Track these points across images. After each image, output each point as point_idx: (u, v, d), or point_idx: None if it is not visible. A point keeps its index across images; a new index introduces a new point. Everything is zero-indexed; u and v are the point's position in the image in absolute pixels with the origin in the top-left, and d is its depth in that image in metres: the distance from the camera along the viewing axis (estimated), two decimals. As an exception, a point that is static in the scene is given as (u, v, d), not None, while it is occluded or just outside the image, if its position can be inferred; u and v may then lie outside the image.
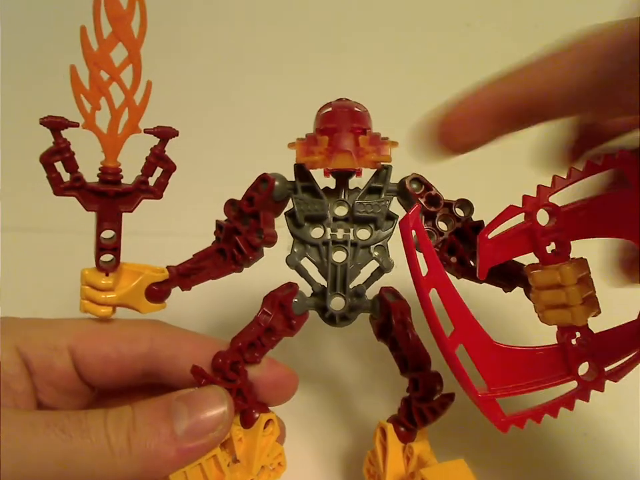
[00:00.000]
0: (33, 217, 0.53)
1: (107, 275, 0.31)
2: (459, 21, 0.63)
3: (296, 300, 0.34)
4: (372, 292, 0.34)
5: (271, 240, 0.35)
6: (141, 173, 0.31)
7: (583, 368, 0.25)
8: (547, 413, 0.26)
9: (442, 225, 0.33)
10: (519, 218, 0.26)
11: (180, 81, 0.66)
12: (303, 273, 0.34)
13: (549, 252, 0.25)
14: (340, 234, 0.34)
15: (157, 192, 0.31)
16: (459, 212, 0.33)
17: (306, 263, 0.34)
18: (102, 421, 0.26)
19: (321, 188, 0.34)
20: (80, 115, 0.29)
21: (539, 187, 0.26)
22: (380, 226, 0.33)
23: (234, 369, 0.32)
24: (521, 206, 0.26)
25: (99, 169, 0.30)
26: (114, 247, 0.31)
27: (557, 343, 0.26)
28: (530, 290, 0.27)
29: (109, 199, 0.30)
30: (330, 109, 0.33)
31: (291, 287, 0.34)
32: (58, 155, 0.29)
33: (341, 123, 0.32)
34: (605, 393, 0.39)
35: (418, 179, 0.33)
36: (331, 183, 0.34)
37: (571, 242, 0.26)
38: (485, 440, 0.35)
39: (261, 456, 0.32)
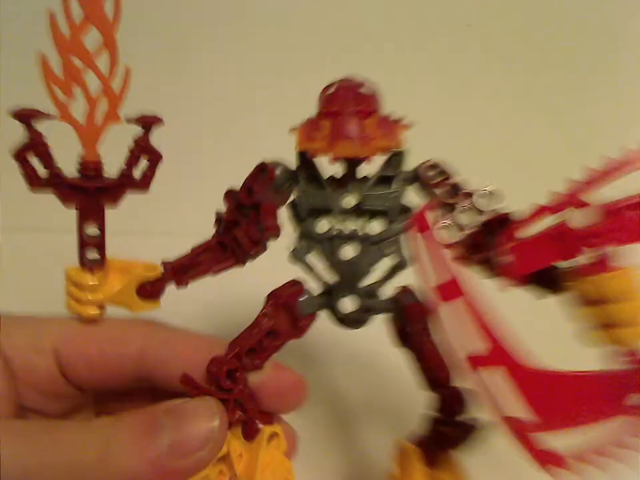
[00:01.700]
0: (33, 217, 0.52)
1: (92, 273, 0.29)
2: (460, 22, 0.62)
3: (302, 299, 0.31)
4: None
5: (274, 233, 0.32)
6: (124, 165, 0.28)
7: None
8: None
9: (463, 218, 0.29)
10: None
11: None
12: (309, 269, 0.31)
13: (587, 261, 0.21)
14: (347, 228, 0.30)
15: (142, 185, 0.29)
16: (484, 203, 0.29)
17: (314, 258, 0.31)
18: (76, 433, 0.24)
19: (327, 177, 0.31)
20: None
21: (572, 182, 0.22)
22: (393, 219, 0.30)
23: (231, 377, 0.29)
24: (550, 204, 0.22)
25: (78, 163, 0.28)
26: (98, 245, 0.29)
27: (610, 367, 0.22)
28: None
29: (90, 195, 0.28)
30: (332, 90, 0.29)
31: (296, 284, 0.31)
32: (31, 149, 0.27)
33: (344, 105, 0.28)
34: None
35: (435, 166, 0.29)
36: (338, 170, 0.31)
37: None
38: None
39: (263, 474, 0.29)
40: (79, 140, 0.27)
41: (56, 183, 0.27)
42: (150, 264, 0.31)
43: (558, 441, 0.22)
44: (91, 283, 0.29)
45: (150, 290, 0.31)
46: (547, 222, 0.22)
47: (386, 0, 0.64)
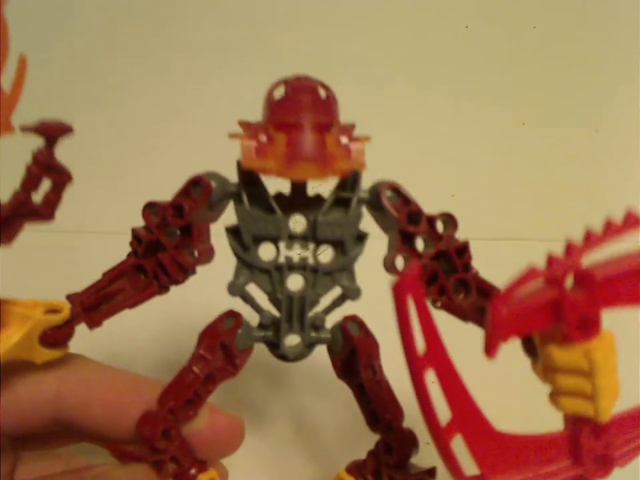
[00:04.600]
0: None
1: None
2: (458, 23, 0.61)
3: (240, 332, 0.27)
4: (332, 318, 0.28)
5: (208, 259, 0.28)
6: (20, 189, 0.22)
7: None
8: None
9: (421, 245, 0.28)
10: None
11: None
12: (249, 301, 0.27)
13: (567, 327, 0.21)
14: (296, 256, 0.27)
15: (45, 213, 0.22)
16: (441, 230, 0.27)
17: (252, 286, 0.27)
18: None
19: (273, 195, 0.26)
20: None
21: (569, 245, 0.20)
22: (348, 249, 0.27)
23: (166, 435, 0.25)
24: (547, 269, 0.20)
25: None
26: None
27: (565, 430, 0.22)
28: (536, 360, 0.23)
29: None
30: (285, 94, 0.25)
31: (233, 317, 0.27)
32: None
33: (302, 115, 0.24)
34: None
35: (395, 189, 0.27)
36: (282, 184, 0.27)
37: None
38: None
39: None
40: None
41: None
42: (54, 303, 0.25)
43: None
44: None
45: (56, 336, 0.25)
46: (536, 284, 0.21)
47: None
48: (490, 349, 0.21)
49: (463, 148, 0.63)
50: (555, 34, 0.61)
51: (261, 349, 0.29)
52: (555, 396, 0.21)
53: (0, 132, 0.20)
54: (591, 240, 0.20)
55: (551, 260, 0.20)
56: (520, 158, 0.63)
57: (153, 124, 0.58)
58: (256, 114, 0.26)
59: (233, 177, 0.27)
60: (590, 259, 0.21)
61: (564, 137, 0.63)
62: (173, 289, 0.28)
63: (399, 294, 0.20)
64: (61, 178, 0.22)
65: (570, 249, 0.20)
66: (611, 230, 0.20)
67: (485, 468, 0.22)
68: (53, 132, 0.21)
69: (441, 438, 0.21)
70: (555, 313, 0.20)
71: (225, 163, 0.27)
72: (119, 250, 0.27)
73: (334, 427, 0.36)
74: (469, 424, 0.21)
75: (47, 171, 0.21)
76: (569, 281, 0.21)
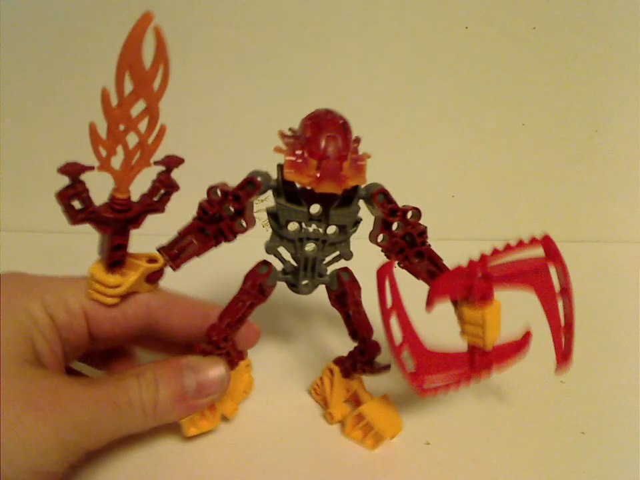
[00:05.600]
0: (33, 217, 0.54)
1: (114, 274, 0.35)
2: (458, 24, 0.61)
3: (270, 275, 0.41)
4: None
5: (253, 226, 0.40)
6: (146, 194, 0.33)
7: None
8: (452, 388, 0.39)
9: (395, 228, 0.41)
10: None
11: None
12: (278, 257, 0.41)
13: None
14: (313, 231, 0.40)
15: (160, 209, 0.34)
16: (411, 218, 0.41)
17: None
18: (138, 393, 0.33)
19: (300, 188, 0.39)
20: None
21: (481, 254, 0.35)
22: (348, 229, 0.40)
23: (225, 340, 0.40)
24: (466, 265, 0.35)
25: (111, 199, 0.32)
26: (122, 255, 0.35)
27: (467, 351, 0.38)
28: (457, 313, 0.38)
29: (120, 222, 0.33)
30: (319, 131, 0.36)
31: (266, 265, 0.41)
32: (74, 195, 0.30)
33: (331, 150, 0.36)
34: (603, 390, 0.44)
35: (384, 193, 0.39)
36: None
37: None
38: (482, 436, 0.41)
39: (239, 389, 0.42)
40: (115, 183, 0.31)
41: (93, 218, 0.32)
42: (152, 256, 0.37)
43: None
44: (113, 281, 0.35)
45: (155, 276, 0.38)
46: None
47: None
48: (429, 306, 0.36)
49: (463, 148, 0.66)
50: (554, 34, 0.61)
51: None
52: (463, 333, 0.37)
53: (143, 167, 0.31)
54: (495, 252, 0.35)
55: (470, 262, 0.35)
56: (520, 158, 0.65)
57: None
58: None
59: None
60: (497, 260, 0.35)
61: (564, 137, 0.65)
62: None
63: (380, 274, 0.34)
64: (172, 189, 0.34)
65: (482, 256, 0.35)
66: (510, 248, 0.35)
67: (419, 368, 0.38)
68: (171, 163, 0.33)
69: (395, 351, 0.36)
70: (469, 290, 0.35)
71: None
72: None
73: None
74: (412, 344, 0.36)
75: (165, 184, 0.33)
76: (479, 274, 0.35)
